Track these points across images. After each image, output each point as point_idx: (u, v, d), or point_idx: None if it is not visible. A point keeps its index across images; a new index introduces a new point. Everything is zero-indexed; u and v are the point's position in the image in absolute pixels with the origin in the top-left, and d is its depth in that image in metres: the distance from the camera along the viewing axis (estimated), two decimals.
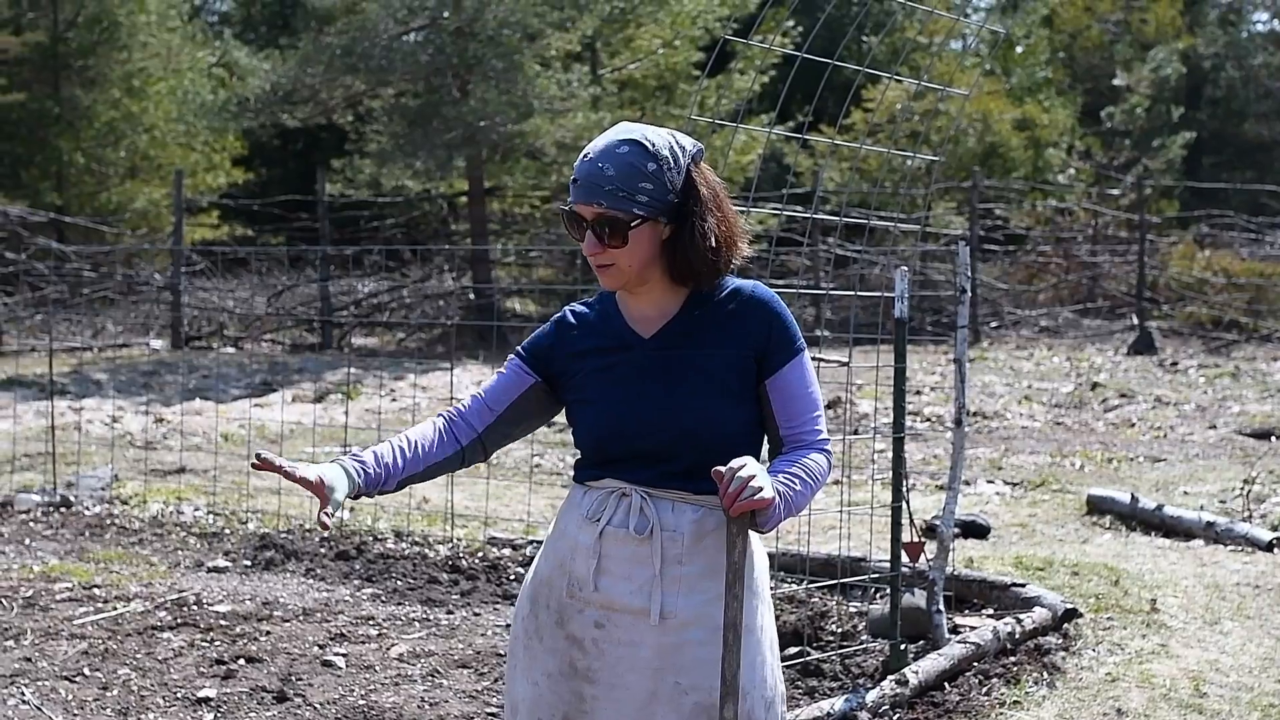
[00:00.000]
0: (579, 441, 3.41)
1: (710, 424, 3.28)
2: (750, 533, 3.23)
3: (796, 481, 3.25)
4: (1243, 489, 10.10)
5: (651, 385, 3.30)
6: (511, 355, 3.50)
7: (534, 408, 3.48)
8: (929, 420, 14.85)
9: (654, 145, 3.22)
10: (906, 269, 6.44)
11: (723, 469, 3.11)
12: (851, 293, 6.88)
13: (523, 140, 24.38)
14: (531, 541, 8.84)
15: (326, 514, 3.19)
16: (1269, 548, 8.76)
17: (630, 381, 3.32)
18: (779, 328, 3.33)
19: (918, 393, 16.70)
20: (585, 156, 3.24)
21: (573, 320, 3.44)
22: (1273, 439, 13.54)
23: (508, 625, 7.09)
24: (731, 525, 3.17)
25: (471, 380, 17.69)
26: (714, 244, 3.25)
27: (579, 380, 3.38)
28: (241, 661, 6.50)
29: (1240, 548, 8.84)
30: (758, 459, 3.30)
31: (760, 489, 3.08)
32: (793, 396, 3.34)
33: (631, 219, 3.21)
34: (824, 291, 7.52)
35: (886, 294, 6.72)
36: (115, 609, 7.35)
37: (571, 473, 3.48)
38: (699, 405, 3.27)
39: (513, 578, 8.11)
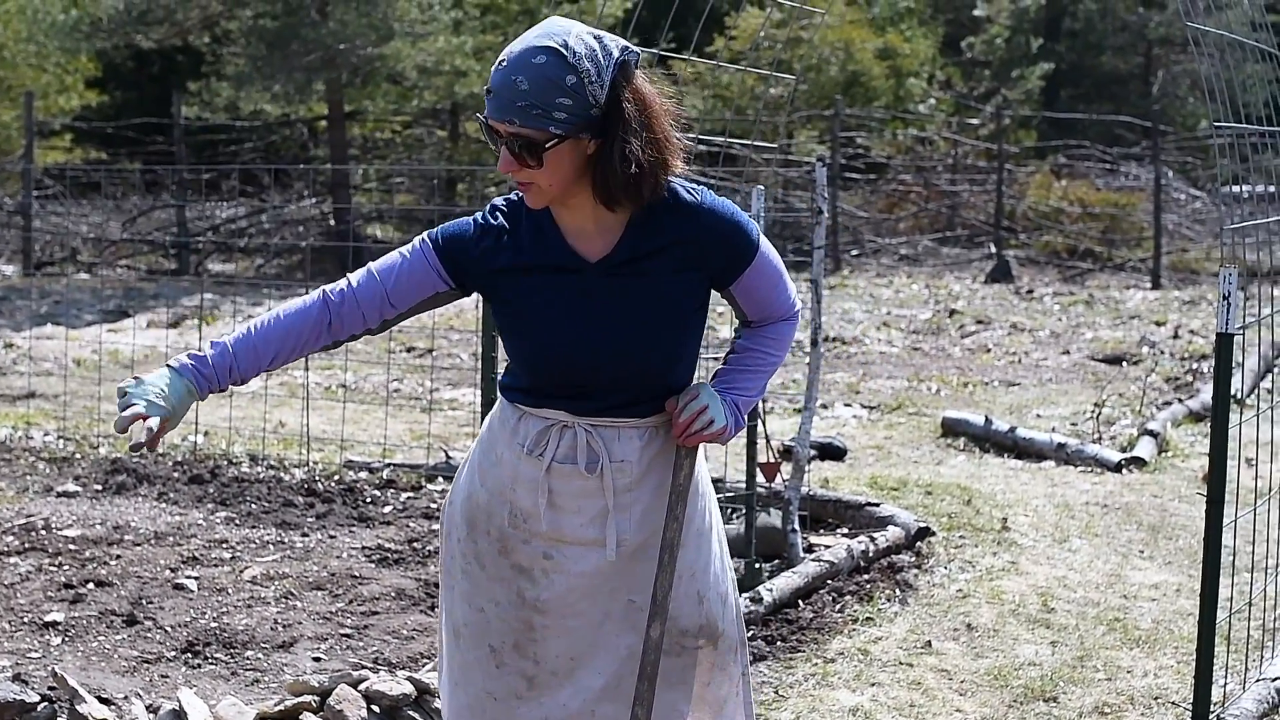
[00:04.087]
0: (515, 362, 3.20)
1: (663, 357, 3.13)
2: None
3: (749, 382, 3.24)
4: (1093, 412, 10.29)
5: (602, 317, 3.07)
6: (421, 241, 3.16)
7: (437, 303, 3.21)
8: None
9: (574, 55, 2.90)
10: (762, 188, 6.46)
11: (675, 400, 3.13)
12: None
13: (383, 64, 24.10)
14: (389, 464, 8.78)
15: (148, 430, 3.00)
16: (1117, 468, 8.95)
17: (578, 312, 3.08)
18: (736, 242, 3.12)
19: None
20: (500, 64, 2.93)
21: (499, 225, 3.13)
22: (1123, 364, 13.81)
23: (363, 548, 7.04)
24: (680, 450, 3.16)
25: None
26: (635, 169, 2.94)
27: (515, 301, 3.12)
28: (91, 585, 6.38)
29: (1090, 468, 9.03)
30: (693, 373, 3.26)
31: (711, 420, 3.11)
32: (755, 291, 3.20)
33: (547, 139, 2.92)
34: None
35: None
36: None
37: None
38: (653, 339, 3.10)
39: (369, 500, 8.04)
